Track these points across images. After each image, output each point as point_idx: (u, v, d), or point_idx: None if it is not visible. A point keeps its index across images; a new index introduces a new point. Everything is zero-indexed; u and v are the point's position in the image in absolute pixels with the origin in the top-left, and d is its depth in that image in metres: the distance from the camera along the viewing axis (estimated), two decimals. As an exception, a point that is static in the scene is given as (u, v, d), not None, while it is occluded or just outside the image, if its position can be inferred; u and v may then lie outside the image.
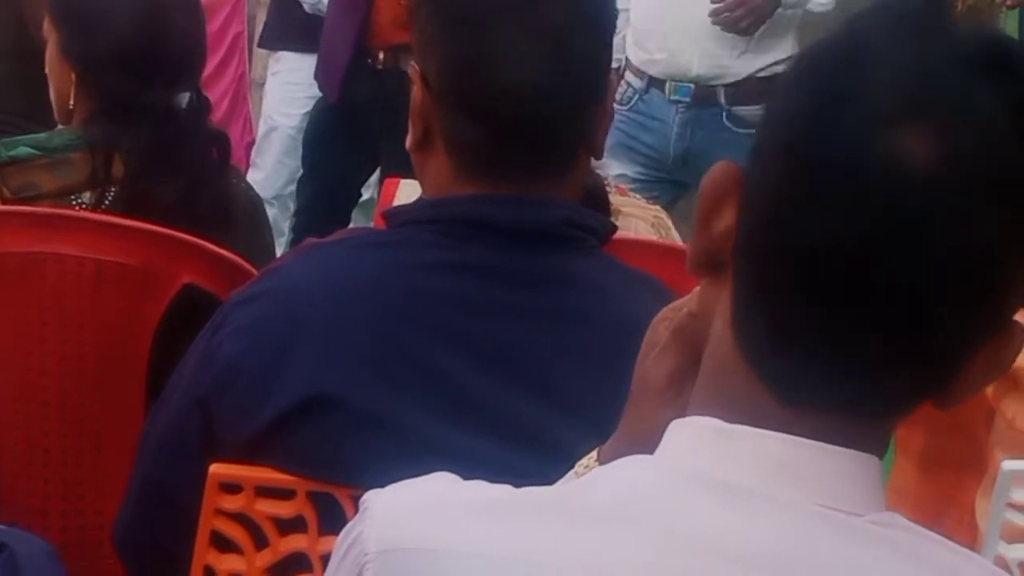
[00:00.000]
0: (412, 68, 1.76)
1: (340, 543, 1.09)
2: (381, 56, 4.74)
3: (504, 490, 1.06)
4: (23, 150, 2.56)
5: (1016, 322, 1.02)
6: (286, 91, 5.63)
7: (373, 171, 5.20)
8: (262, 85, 5.91)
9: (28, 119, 3.66)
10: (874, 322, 0.97)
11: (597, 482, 1.05)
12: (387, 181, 2.80)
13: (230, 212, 2.58)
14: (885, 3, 1.03)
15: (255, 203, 2.79)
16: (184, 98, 2.60)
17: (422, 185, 1.80)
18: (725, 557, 0.97)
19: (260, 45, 5.73)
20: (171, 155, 2.54)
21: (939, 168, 0.95)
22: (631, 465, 1.05)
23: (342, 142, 5.01)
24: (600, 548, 0.98)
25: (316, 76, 5.16)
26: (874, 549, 0.98)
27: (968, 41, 0.99)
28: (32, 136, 2.59)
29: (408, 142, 1.77)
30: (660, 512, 1.00)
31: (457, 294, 1.68)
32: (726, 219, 1.04)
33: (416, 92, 1.75)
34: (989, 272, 0.97)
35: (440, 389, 1.65)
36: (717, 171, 1.06)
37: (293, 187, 5.54)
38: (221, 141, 2.67)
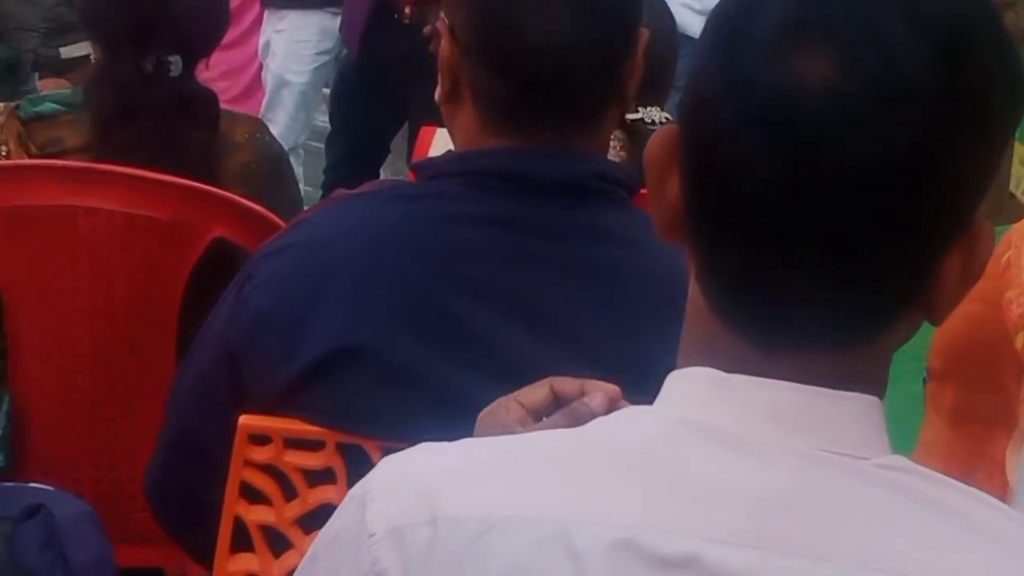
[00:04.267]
0: (441, 21, 1.76)
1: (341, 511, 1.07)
2: (407, 11, 4.72)
3: (507, 446, 1.06)
4: (49, 106, 2.58)
5: (982, 221, 1.01)
6: (294, 49, 5.62)
7: (401, 126, 5.19)
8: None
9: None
10: (815, 248, 0.97)
11: (601, 433, 1.05)
12: (423, 129, 2.80)
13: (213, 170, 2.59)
14: None
15: (280, 156, 2.79)
16: (176, 62, 2.60)
17: (452, 137, 1.80)
18: (731, 503, 0.97)
19: (264, 4, 5.68)
20: (141, 117, 2.55)
21: (838, 81, 0.94)
22: (632, 416, 1.05)
23: (370, 98, 5.00)
24: (614, 501, 0.98)
25: (340, 31, 5.16)
26: (881, 491, 0.98)
27: None
28: (56, 92, 2.61)
29: (438, 94, 1.76)
30: (665, 460, 0.99)
31: (486, 246, 1.68)
32: (672, 185, 1.04)
33: (445, 45, 1.74)
34: (915, 177, 0.96)
35: (469, 341, 1.66)
36: (655, 139, 1.06)
37: (304, 138, 5.56)
38: (206, 103, 2.66)
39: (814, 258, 0.98)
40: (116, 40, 2.57)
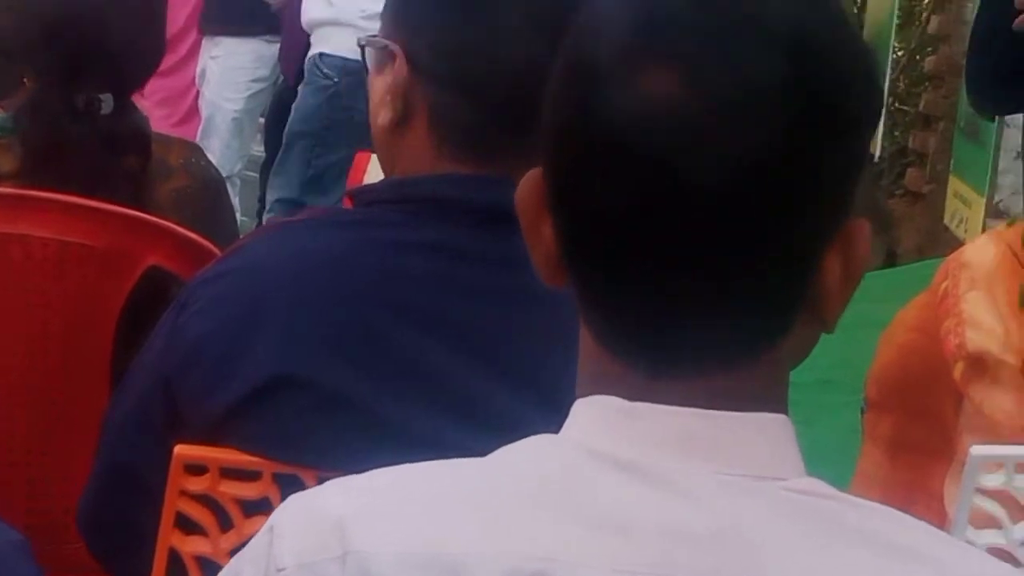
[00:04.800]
0: (386, 47, 1.74)
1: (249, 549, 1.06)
2: None
3: (415, 479, 1.05)
4: None
5: (856, 219, 1.02)
6: (229, 75, 5.63)
7: None
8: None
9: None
10: (686, 269, 0.98)
11: (509, 463, 1.04)
12: (359, 156, 2.79)
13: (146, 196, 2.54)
14: None
15: (216, 181, 2.75)
16: (108, 100, 2.54)
17: (390, 164, 1.78)
18: (640, 534, 0.96)
19: (200, 30, 5.68)
20: (71, 151, 2.51)
21: (682, 96, 0.95)
22: (540, 447, 1.04)
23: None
24: (523, 534, 0.98)
25: (279, 59, 5.16)
26: (797, 517, 0.97)
27: None
28: None
29: (381, 121, 1.74)
30: (573, 492, 0.99)
31: (426, 274, 1.67)
32: (545, 228, 1.05)
33: (397, 69, 1.72)
34: (772, 184, 0.96)
35: (408, 370, 1.64)
36: (523, 184, 1.07)
37: (240, 167, 5.54)
38: (137, 137, 2.60)
39: (687, 280, 0.98)
40: (47, 74, 2.54)
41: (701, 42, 0.96)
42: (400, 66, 1.72)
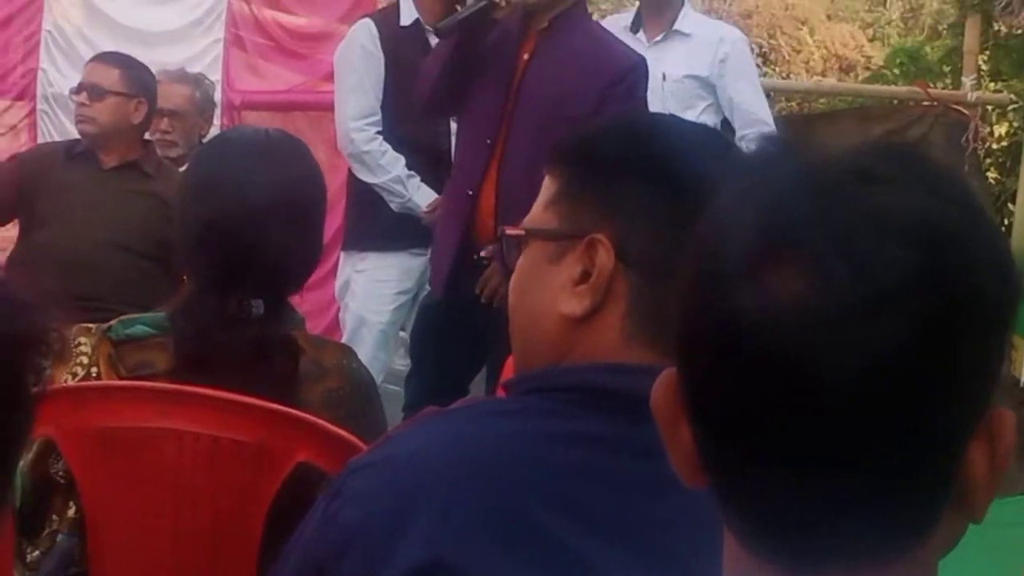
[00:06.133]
0: (583, 238, 1.73)
1: None
2: (482, 253, 4.78)
3: None
4: (140, 329, 2.60)
5: (998, 409, 1.00)
6: (376, 289, 5.66)
7: (480, 368, 5.22)
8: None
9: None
10: (828, 469, 0.95)
11: None
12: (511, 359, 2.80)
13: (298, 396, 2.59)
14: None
15: (368, 383, 2.79)
16: (259, 305, 2.61)
17: (558, 354, 1.77)
18: None
19: (344, 248, 5.74)
20: (221, 355, 2.56)
21: (811, 297, 0.93)
22: None
23: (449, 338, 5.04)
24: None
25: (429, 277, 5.24)
26: None
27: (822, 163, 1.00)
28: (149, 315, 2.63)
29: (566, 311, 1.73)
30: None
31: (581, 465, 1.67)
32: (683, 430, 1.05)
33: (602, 260, 1.71)
34: (909, 379, 0.94)
35: (562, 561, 1.63)
36: (657, 387, 1.07)
37: (382, 379, 5.57)
38: (286, 345, 2.64)
39: (828, 480, 0.96)
40: (204, 277, 2.61)
41: (827, 238, 0.94)
42: (605, 256, 1.72)
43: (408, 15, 5.60)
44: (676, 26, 5.95)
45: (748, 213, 0.99)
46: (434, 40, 5.49)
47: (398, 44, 5.53)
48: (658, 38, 5.97)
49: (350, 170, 5.51)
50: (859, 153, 1.01)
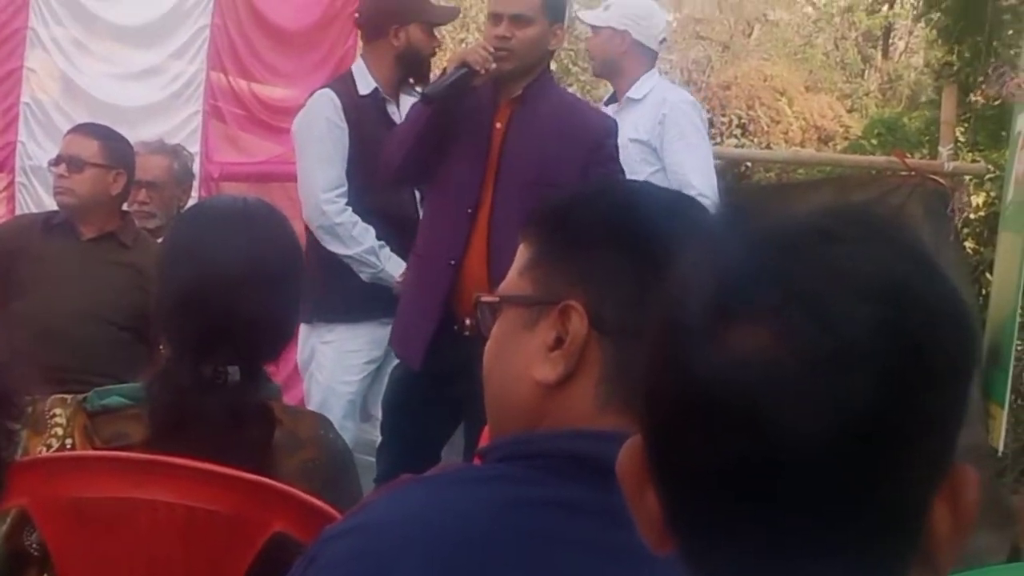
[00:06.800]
0: (556, 304, 1.73)
1: None
2: (468, 323, 4.78)
3: None
4: (115, 399, 2.60)
5: (961, 465, 1.00)
6: (345, 360, 5.63)
7: (452, 432, 5.21)
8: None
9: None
10: (794, 525, 0.96)
11: None
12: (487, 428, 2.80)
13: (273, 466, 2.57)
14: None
15: (344, 452, 2.78)
16: (234, 372, 2.60)
17: (533, 421, 1.76)
18: None
19: (310, 321, 5.66)
20: (195, 422, 2.55)
21: (774, 352, 0.94)
22: None
23: (425, 408, 5.04)
24: None
25: (392, 344, 5.22)
26: None
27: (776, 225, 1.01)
28: (125, 386, 2.63)
29: (540, 377, 1.73)
30: None
31: (554, 532, 1.66)
32: (649, 496, 1.05)
33: (575, 326, 1.71)
34: (871, 434, 0.94)
35: None
36: (623, 454, 1.08)
37: (352, 446, 5.55)
38: (261, 412, 2.64)
39: (795, 535, 0.96)
40: (180, 344, 2.60)
41: (788, 294, 0.95)
42: (579, 322, 1.72)
43: (365, 85, 5.63)
44: (629, 93, 5.96)
45: (710, 272, 1.00)
46: (392, 108, 5.54)
47: (360, 114, 5.56)
48: (616, 106, 5.99)
49: (310, 243, 5.46)
50: (818, 213, 1.02)
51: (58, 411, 2.58)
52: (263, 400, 2.64)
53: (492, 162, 4.85)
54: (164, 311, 2.65)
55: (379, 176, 5.14)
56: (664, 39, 6.11)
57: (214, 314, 2.56)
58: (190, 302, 2.57)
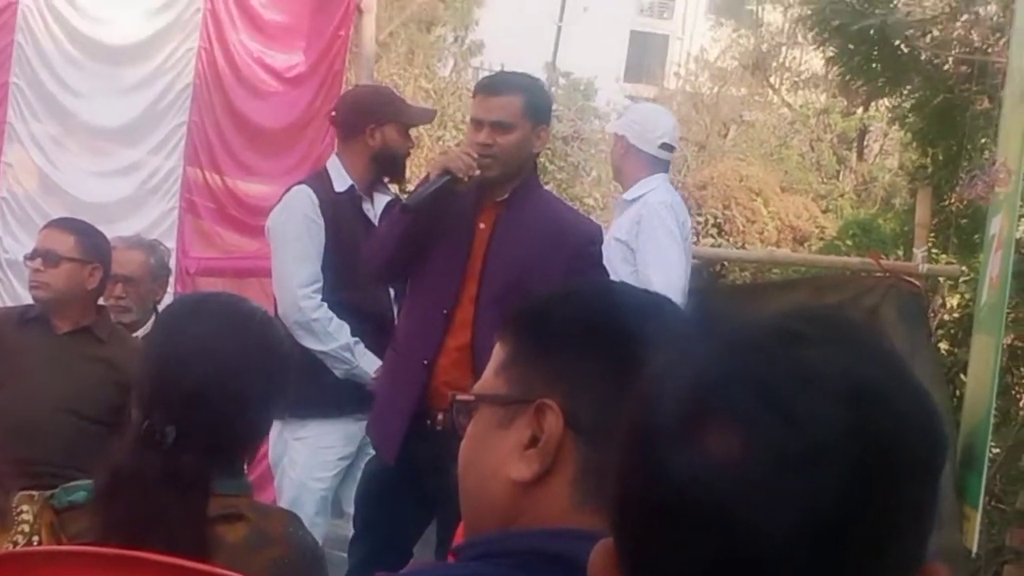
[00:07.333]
0: (531, 403, 1.71)
1: None
2: (440, 418, 4.77)
3: None
4: (82, 495, 2.58)
5: (931, 563, 1.00)
6: (319, 456, 5.59)
7: (425, 528, 5.18)
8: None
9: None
10: None
11: None
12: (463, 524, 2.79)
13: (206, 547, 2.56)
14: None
15: (313, 549, 2.76)
16: (171, 432, 2.57)
17: (507, 518, 1.75)
18: None
19: (282, 417, 5.59)
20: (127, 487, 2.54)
21: (743, 454, 0.94)
22: None
23: (397, 503, 5.01)
24: None
25: (368, 433, 5.21)
26: None
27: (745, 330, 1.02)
28: (91, 482, 2.61)
29: (515, 476, 1.71)
30: None
31: None
32: None
33: (551, 426, 1.69)
34: (842, 533, 0.94)
35: None
36: (595, 555, 1.07)
37: (322, 542, 5.52)
38: (198, 476, 2.60)
39: None
40: (151, 437, 2.59)
41: (756, 396, 0.96)
42: (554, 421, 1.70)
43: (341, 182, 5.64)
44: (625, 194, 6.07)
45: (679, 375, 1.00)
46: (367, 206, 5.55)
47: (336, 209, 5.57)
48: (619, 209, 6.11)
49: None
50: (785, 316, 1.03)
51: (25, 508, 2.56)
52: (231, 499, 2.62)
53: (474, 263, 4.86)
54: (138, 405, 2.65)
55: (357, 273, 5.14)
56: (666, 143, 6.14)
57: (188, 408, 2.55)
58: (160, 389, 2.58)
